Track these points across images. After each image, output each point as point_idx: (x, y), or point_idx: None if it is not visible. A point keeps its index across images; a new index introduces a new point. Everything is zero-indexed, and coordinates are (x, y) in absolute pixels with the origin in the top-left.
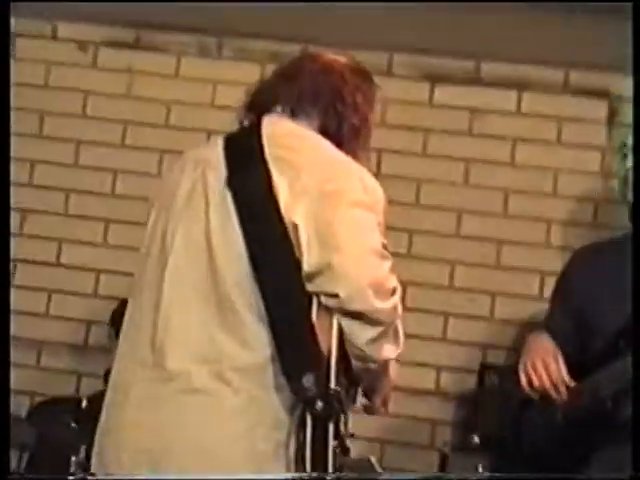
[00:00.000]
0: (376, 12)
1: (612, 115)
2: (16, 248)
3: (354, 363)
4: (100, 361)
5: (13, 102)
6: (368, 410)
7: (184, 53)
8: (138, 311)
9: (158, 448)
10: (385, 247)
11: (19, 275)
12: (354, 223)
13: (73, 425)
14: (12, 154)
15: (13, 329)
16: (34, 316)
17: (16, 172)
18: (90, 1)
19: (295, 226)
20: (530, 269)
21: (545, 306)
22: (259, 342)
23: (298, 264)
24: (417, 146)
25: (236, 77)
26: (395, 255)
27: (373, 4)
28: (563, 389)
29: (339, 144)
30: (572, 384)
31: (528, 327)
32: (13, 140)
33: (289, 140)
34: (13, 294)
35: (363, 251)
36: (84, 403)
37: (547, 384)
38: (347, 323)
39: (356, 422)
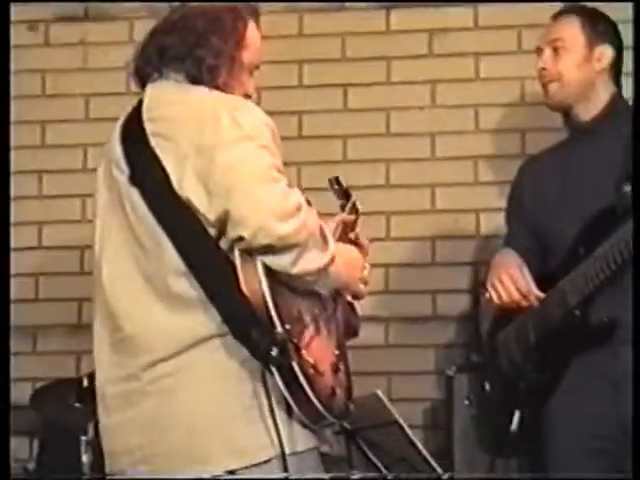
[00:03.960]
0: None
1: None
2: None
3: (295, 283)
4: None
5: None
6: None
7: (135, 18)
8: (96, 315)
9: (147, 442)
10: (277, 168)
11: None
12: (233, 162)
13: (77, 405)
14: None
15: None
16: (25, 302)
17: None
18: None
19: (189, 199)
20: (508, 182)
21: None
22: (207, 317)
23: (207, 230)
24: (381, 75)
25: None
26: (369, 186)
27: None
28: (533, 299)
29: (210, 86)
30: (541, 295)
31: None
32: None
33: (160, 111)
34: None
35: (250, 185)
36: (85, 382)
37: (516, 296)
38: (264, 259)
39: (359, 359)
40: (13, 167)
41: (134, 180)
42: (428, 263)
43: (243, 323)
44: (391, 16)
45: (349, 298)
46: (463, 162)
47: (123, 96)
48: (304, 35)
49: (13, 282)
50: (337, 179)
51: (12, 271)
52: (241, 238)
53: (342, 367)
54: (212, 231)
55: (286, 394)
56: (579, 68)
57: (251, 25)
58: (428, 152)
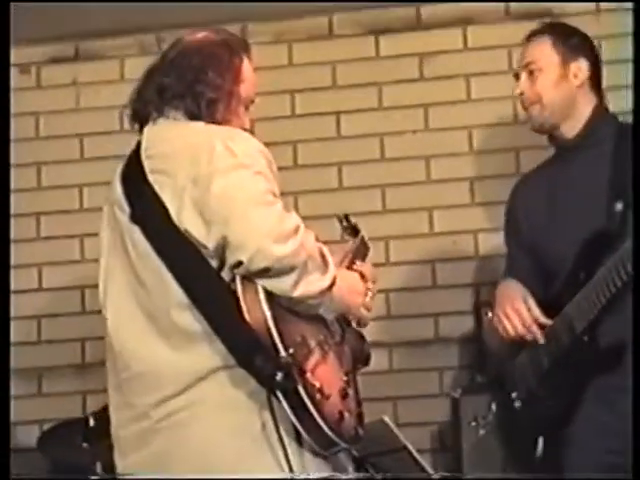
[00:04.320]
0: None
1: None
2: None
3: (297, 308)
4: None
5: None
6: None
7: (125, 55)
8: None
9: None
10: (273, 193)
11: None
12: (228, 190)
13: (84, 445)
14: None
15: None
16: (28, 344)
17: None
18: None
19: (187, 231)
20: (505, 202)
21: None
22: (212, 350)
23: (208, 262)
24: (373, 100)
25: None
26: (367, 212)
27: None
28: (536, 330)
29: (208, 121)
30: (548, 322)
31: None
32: None
33: (158, 148)
34: None
35: (246, 210)
36: (91, 421)
37: (521, 330)
38: (265, 283)
39: (363, 385)
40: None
41: (135, 218)
42: (429, 286)
43: (247, 350)
44: (380, 42)
45: (354, 325)
46: (459, 184)
47: (117, 134)
48: (294, 65)
49: (15, 325)
50: (346, 216)
51: (14, 314)
52: (240, 263)
53: (351, 393)
54: (213, 262)
55: (293, 419)
56: (557, 87)
57: (245, 60)
58: (423, 175)
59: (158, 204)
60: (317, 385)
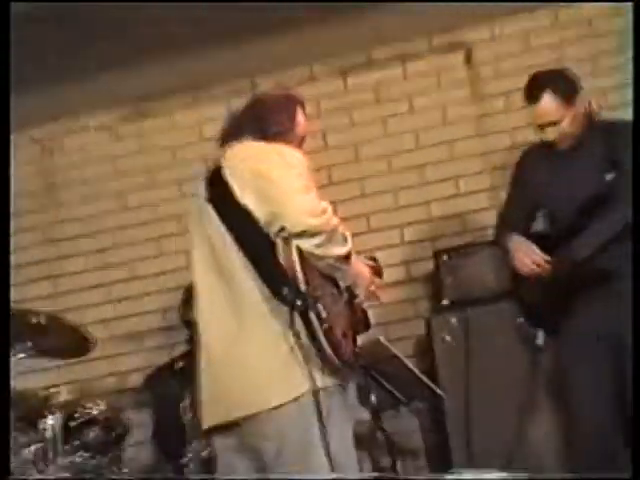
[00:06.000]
0: None
1: None
2: None
3: (319, 265)
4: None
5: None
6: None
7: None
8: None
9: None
10: (310, 187)
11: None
12: (278, 181)
13: (173, 382)
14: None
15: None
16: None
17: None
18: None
19: (246, 205)
20: None
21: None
22: (256, 290)
23: (258, 224)
24: None
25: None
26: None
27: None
28: (545, 265)
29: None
30: (548, 258)
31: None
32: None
33: (232, 154)
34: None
35: (292, 195)
36: (177, 365)
37: (536, 269)
38: (299, 242)
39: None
40: None
41: (209, 199)
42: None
43: (278, 282)
44: None
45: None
46: None
47: None
48: None
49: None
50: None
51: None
52: (283, 228)
53: (349, 334)
54: (262, 226)
55: (308, 338)
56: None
57: (299, 108)
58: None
59: (227, 187)
60: (324, 315)
